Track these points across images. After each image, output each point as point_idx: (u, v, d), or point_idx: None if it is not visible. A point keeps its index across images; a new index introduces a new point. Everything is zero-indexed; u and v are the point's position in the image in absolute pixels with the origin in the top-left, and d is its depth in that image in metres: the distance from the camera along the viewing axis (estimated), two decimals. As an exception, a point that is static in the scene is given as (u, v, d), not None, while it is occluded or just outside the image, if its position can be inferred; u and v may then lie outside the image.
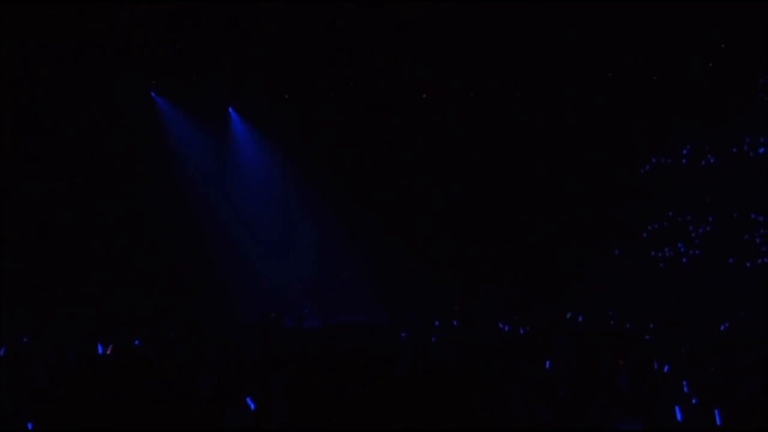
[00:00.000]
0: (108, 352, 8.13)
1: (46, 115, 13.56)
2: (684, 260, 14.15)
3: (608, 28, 12.67)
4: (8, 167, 13.36)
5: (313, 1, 11.89)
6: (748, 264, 13.07)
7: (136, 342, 9.36)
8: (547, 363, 7.34)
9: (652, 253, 14.72)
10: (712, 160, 14.21)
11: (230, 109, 16.61)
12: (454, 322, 12.12)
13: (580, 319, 11.12)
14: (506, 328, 10.78)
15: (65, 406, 5.91)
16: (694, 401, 5.99)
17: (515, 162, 15.51)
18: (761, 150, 13.49)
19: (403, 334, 11.05)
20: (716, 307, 11.91)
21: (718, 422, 5.50)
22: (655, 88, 14.40)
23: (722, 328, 10.26)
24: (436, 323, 12.04)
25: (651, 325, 10.63)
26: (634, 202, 15.01)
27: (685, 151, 14.66)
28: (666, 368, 6.50)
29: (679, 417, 5.18)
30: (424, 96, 15.76)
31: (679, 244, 14.36)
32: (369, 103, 15.59)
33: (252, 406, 5.64)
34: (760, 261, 13.00)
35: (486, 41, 13.39)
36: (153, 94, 15.57)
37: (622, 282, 14.18)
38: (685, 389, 6.17)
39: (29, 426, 5.29)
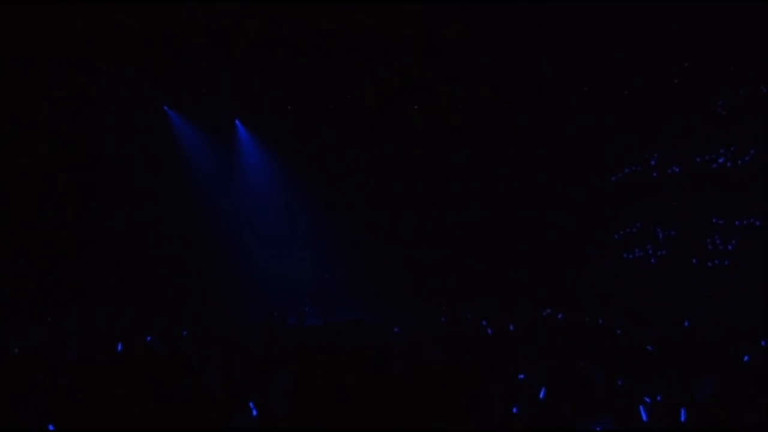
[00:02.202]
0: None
1: (67, 127, 13.54)
2: (653, 261, 14.31)
3: (584, 46, 12.78)
4: (31, 173, 13.27)
5: (313, 22, 11.94)
6: (709, 264, 13.27)
7: (148, 338, 9.30)
8: (526, 361, 7.36)
9: (624, 255, 14.87)
10: (677, 170, 14.40)
11: (237, 121, 16.58)
12: (443, 319, 12.15)
13: (560, 317, 11.17)
14: (489, 329, 10.79)
15: (78, 403, 5.85)
16: (659, 398, 6.01)
17: (500, 170, 15.66)
18: (721, 159, 13.65)
19: (396, 329, 11.07)
20: (681, 304, 12.03)
21: (682, 419, 5.53)
22: (626, 102, 14.56)
23: (686, 324, 10.34)
24: (429, 322, 12.04)
25: (622, 322, 10.68)
26: (607, 206, 15.18)
27: (653, 162, 14.84)
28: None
29: (644, 417, 5.21)
30: (416, 107, 15.83)
31: (648, 246, 14.52)
32: (365, 113, 15.64)
33: (255, 412, 5.60)
34: (717, 262, 13.20)
35: (470, 58, 13.50)
36: (166, 108, 15.55)
37: (596, 281, 14.31)
38: (651, 388, 6.20)
39: (51, 427, 5.21)
